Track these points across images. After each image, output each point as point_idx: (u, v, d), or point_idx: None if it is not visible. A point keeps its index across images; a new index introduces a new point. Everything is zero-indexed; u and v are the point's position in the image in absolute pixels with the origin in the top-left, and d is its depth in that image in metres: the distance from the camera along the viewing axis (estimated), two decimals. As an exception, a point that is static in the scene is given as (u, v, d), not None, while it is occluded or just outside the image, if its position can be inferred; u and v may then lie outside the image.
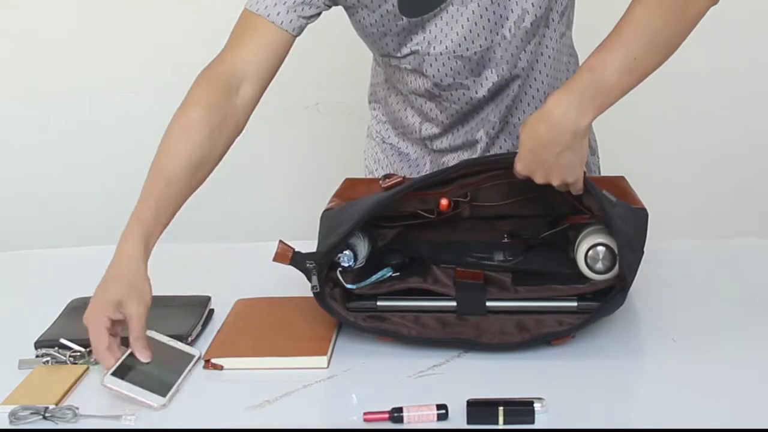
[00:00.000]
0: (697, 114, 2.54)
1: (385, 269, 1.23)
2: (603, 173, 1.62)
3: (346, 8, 1.38)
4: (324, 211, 1.28)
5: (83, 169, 2.62)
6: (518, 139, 1.46)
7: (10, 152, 2.61)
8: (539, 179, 1.17)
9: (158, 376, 1.12)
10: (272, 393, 1.10)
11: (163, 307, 1.31)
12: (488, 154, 1.51)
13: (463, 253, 1.27)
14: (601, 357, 1.16)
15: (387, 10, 1.35)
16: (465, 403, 1.02)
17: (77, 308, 1.20)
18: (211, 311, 1.34)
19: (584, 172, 1.18)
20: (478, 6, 1.33)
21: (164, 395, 1.09)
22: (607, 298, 1.17)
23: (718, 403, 1.05)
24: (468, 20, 1.34)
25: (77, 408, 1.07)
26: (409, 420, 1.02)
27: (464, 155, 1.52)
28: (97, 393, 1.11)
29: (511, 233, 1.32)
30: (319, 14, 1.35)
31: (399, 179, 1.24)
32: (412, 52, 1.39)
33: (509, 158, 1.18)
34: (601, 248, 1.18)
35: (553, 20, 1.39)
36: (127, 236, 1.19)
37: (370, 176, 1.63)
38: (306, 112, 2.59)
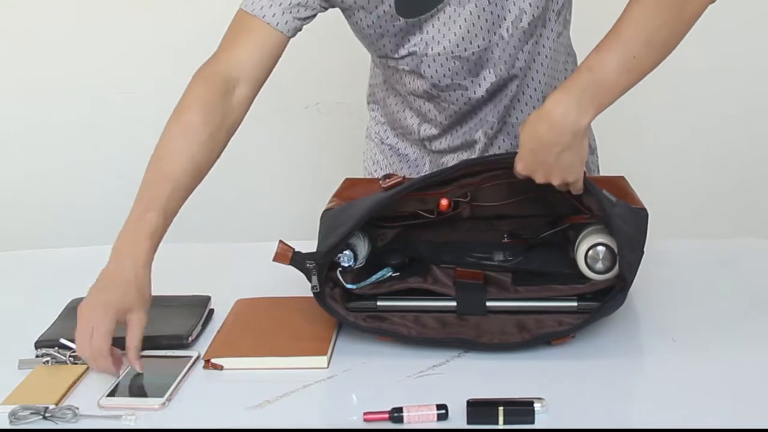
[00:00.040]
0: (696, 114, 2.54)
1: (385, 269, 1.23)
2: (603, 173, 1.62)
3: (343, 10, 1.38)
4: (324, 211, 1.28)
5: (83, 169, 2.62)
6: (517, 139, 1.47)
7: (10, 152, 2.61)
8: (539, 179, 1.17)
9: (155, 383, 1.12)
10: (272, 393, 1.10)
11: (163, 307, 1.31)
12: (488, 154, 1.51)
13: (463, 253, 1.27)
14: (601, 357, 1.16)
15: (384, 11, 1.35)
16: (465, 403, 1.02)
17: (77, 308, 1.20)
18: (211, 311, 1.34)
19: (584, 172, 1.18)
20: (476, 6, 1.33)
21: (162, 395, 1.09)
22: (607, 298, 1.17)
23: (718, 403, 1.05)
24: (465, 21, 1.34)
25: (77, 408, 1.07)
26: (409, 420, 1.02)
27: (463, 156, 1.52)
28: (97, 393, 1.11)
29: (511, 233, 1.32)
30: (314, 16, 1.35)
31: (399, 179, 1.24)
32: (410, 53, 1.39)
33: (509, 158, 1.18)
34: (601, 248, 1.18)
35: (549, 20, 1.39)
36: (135, 241, 1.19)
37: (370, 177, 1.63)
38: (306, 112, 2.59)
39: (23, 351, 1.22)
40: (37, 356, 1.21)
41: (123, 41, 2.51)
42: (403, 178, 1.25)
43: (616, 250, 1.16)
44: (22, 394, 1.12)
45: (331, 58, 2.42)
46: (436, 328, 1.20)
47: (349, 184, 1.40)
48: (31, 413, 1.07)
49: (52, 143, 2.59)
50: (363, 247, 1.24)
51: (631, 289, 1.16)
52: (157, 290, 1.35)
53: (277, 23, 1.30)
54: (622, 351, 1.18)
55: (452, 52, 1.37)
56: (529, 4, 1.34)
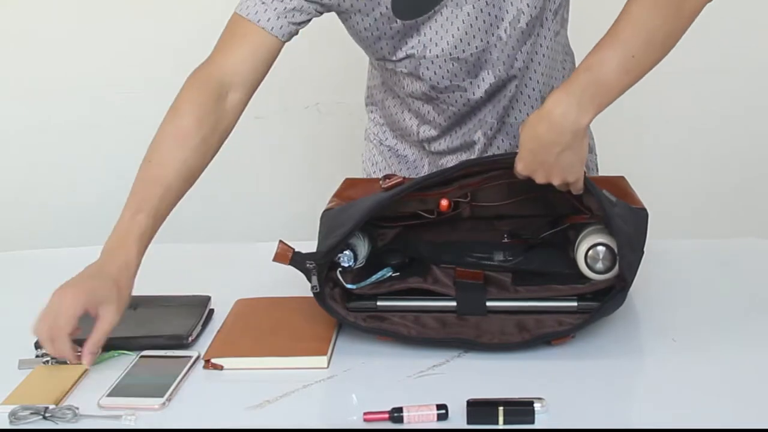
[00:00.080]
0: (696, 114, 2.54)
1: (385, 269, 1.23)
2: (602, 173, 1.62)
3: (339, 13, 1.38)
4: (324, 211, 1.28)
5: (83, 169, 2.62)
6: (515, 138, 1.48)
7: (10, 152, 2.61)
8: (540, 179, 1.17)
9: (155, 383, 1.12)
10: (272, 393, 1.10)
11: (163, 307, 1.31)
12: (487, 154, 1.50)
13: (463, 253, 1.27)
14: (601, 357, 1.16)
15: (381, 13, 1.34)
16: (465, 403, 1.02)
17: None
18: (211, 311, 1.34)
19: (584, 172, 1.18)
20: (473, 8, 1.33)
21: (162, 395, 1.09)
22: (606, 298, 1.17)
23: (718, 403, 1.05)
24: (463, 22, 1.34)
25: (77, 408, 1.07)
26: (409, 420, 1.02)
27: (462, 156, 1.52)
28: (97, 393, 1.11)
29: (511, 233, 1.32)
30: (309, 20, 1.35)
31: (399, 180, 1.24)
32: (408, 56, 1.39)
33: (509, 158, 1.18)
34: (601, 248, 1.18)
35: (546, 19, 1.39)
36: (123, 243, 1.18)
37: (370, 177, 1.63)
38: (306, 112, 2.59)
39: (23, 351, 1.22)
40: (37, 356, 1.21)
41: (123, 41, 2.51)
42: (403, 178, 1.25)
43: (616, 250, 1.16)
44: (22, 394, 1.12)
45: (332, 58, 2.42)
46: (436, 328, 1.20)
47: (349, 184, 1.40)
48: (31, 413, 1.07)
49: (52, 143, 2.59)
50: (363, 247, 1.24)
51: (631, 289, 1.16)
52: (157, 290, 1.36)
53: (272, 28, 1.30)
54: (622, 351, 1.18)
55: (450, 54, 1.37)
56: (527, 4, 1.34)
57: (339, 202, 1.29)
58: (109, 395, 1.10)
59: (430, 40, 1.36)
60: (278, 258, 1.18)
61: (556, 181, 1.17)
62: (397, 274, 1.23)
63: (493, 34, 1.36)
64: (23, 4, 2.51)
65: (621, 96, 1.16)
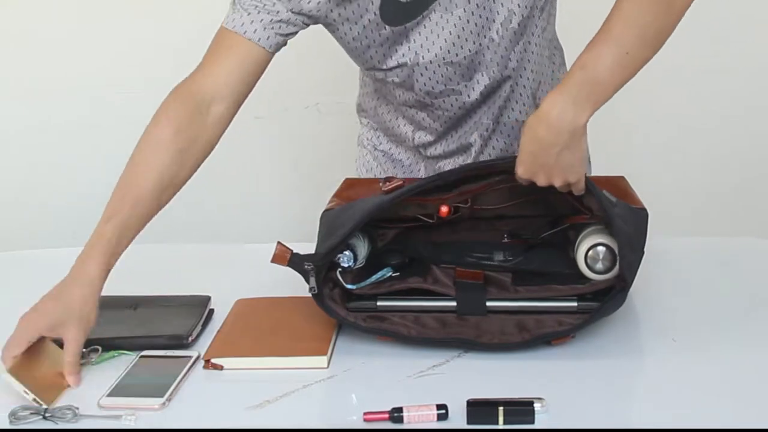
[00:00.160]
0: (696, 114, 2.54)
1: (385, 269, 1.23)
2: (603, 173, 1.62)
3: (327, 25, 1.36)
4: (324, 211, 1.28)
5: (83, 169, 2.62)
6: (509, 137, 1.48)
7: (10, 152, 2.61)
8: (541, 181, 1.17)
9: (155, 383, 1.12)
10: (272, 393, 1.10)
11: (163, 307, 1.31)
12: (487, 159, 1.50)
13: (463, 253, 1.27)
14: (601, 357, 1.16)
15: (369, 20, 1.34)
16: (465, 403, 1.02)
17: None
18: (211, 311, 1.34)
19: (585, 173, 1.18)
20: (464, 11, 1.33)
21: (162, 395, 1.09)
22: (607, 298, 1.17)
23: (718, 403, 1.05)
24: (455, 26, 1.34)
25: (77, 408, 1.07)
26: (409, 420, 1.02)
27: (459, 159, 1.52)
28: (97, 393, 1.11)
29: (511, 233, 1.32)
30: (296, 32, 1.33)
31: (399, 183, 1.23)
32: (400, 65, 1.38)
33: (509, 162, 1.18)
34: (601, 248, 1.18)
35: (534, 16, 1.39)
36: (89, 254, 1.20)
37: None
38: (306, 112, 2.59)
39: (23, 351, 1.22)
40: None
41: (123, 41, 2.51)
42: (403, 182, 1.24)
43: (616, 251, 1.16)
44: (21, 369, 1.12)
45: (332, 58, 2.40)
46: (436, 328, 1.20)
47: (349, 184, 1.40)
48: (31, 413, 1.07)
49: (52, 143, 2.58)
50: (363, 248, 1.24)
51: (631, 289, 1.16)
52: (157, 290, 1.36)
53: (259, 39, 1.29)
54: (622, 351, 1.18)
55: (444, 59, 1.37)
56: (518, 4, 1.34)
57: (339, 202, 1.29)
58: (109, 395, 1.10)
59: (421, 46, 1.36)
60: (276, 259, 1.18)
61: (557, 183, 1.17)
62: (397, 274, 1.23)
63: (485, 36, 1.36)
64: (23, 4, 2.51)
65: (617, 94, 1.16)
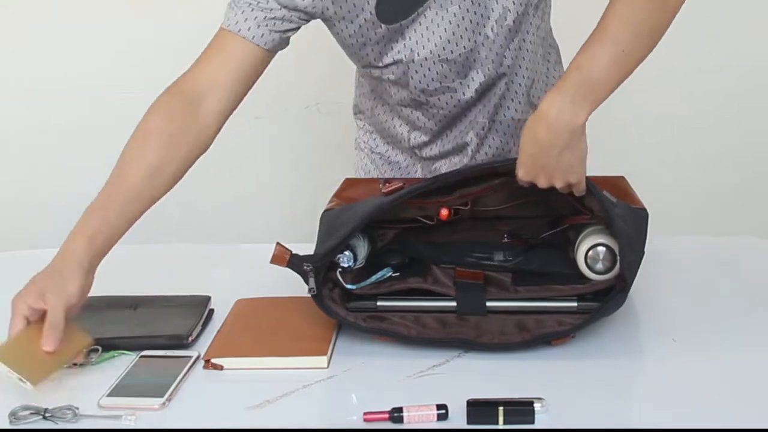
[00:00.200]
0: (696, 114, 2.54)
1: (385, 269, 1.23)
2: (603, 173, 1.62)
3: (324, 20, 1.37)
4: (324, 211, 1.28)
5: (83, 169, 2.61)
6: (506, 135, 1.48)
7: (10, 152, 2.61)
8: (542, 183, 1.17)
9: (155, 383, 1.12)
10: (272, 393, 1.10)
11: (163, 307, 1.31)
12: (484, 158, 1.50)
13: (463, 253, 1.27)
14: (601, 357, 1.16)
15: (365, 19, 1.34)
16: (465, 403, 1.02)
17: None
18: (211, 311, 1.33)
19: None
20: (459, 8, 1.33)
21: (162, 395, 1.09)
22: (607, 298, 1.17)
23: (718, 403, 1.05)
24: (450, 23, 1.34)
25: (77, 408, 1.07)
26: (409, 420, 1.02)
27: (455, 159, 1.52)
28: (97, 393, 1.11)
29: (511, 233, 1.32)
30: (297, 28, 1.34)
31: (399, 185, 1.23)
32: (395, 62, 1.38)
33: (509, 165, 1.18)
34: (601, 248, 1.18)
35: (529, 14, 1.39)
36: (73, 236, 1.22)
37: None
38: (306, 112, 2.59)
39: (23, 351, 1.22)
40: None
41: (123, 41, 2.51)
42: (403, 184, 1.24)
43: (616, 251, 1.16)
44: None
45: (332, 57, 2.40)
46: (436, 328, 1.20)
47: (349, 184, 1.40)
48: (31, 413, 1.07)
49: (52, 143, 2.58)
50: (363, 248, 1.24)
51: (631, 289, 1.16)
52: (157, 290, 1.36)
53: (253, 36, 1.30)
54: (622, 351, 1.18)
55: (439, 56, 1.37)
56: (512, 2, 1.34)
57: (339, 202, 1.29)
58: (109, 395, 1.10)
59: (417, 43, 1.36)
60: (275, 260, 1.18)
61: (558, 184, 1.17)
62: (397, 274, 1.23)
63: (480, 34, 1.36)
64: (23, 4, 2.51)
65: (613, 94, 1.16)
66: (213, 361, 1.18)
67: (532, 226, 1.31)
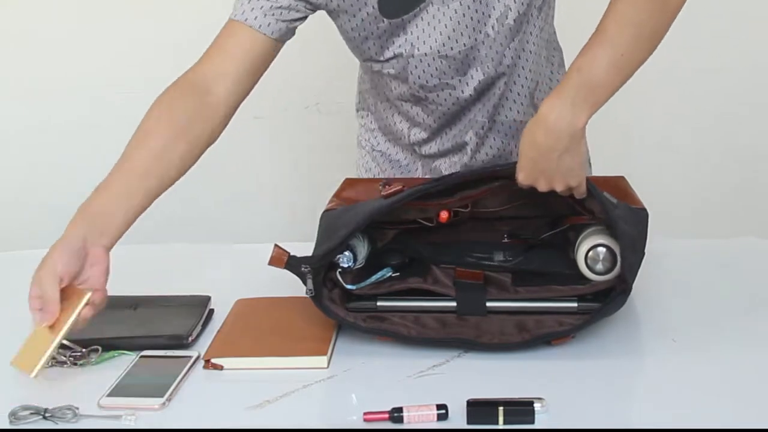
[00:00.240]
0: (696, 114, 2.54)
1: (385, 269, 1.23)
2: (603, 173, 1.62)
3: (328, 12, 1.38)
4: (324, 211, 1.28)
5: (83, 169, 2.61)
6: (506, 136, 1.48)
7: (10, 152, 2.61)
8: (542, 187, 1.17)
9: (155, 383, 1.12)
10: (272, 393, 1.10)
11: (163, 307, 1.31)
12: (484, 158, 1.50)
13: (463, 254, 1.27)
14: (601, 357, 1.16)
15: (367, 13, 1.34)
16: (465, 403, 1.02)
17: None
18: (211, 311, 1.34)
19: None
20: (460, 5, 1.33)
21: (162, 395, 1.09)
22: (607, 299, 1.17)
23: (718, 403, 1.05)
24: (451, 19, 1.34)
25: (77, 408, 1.07)
26: (409, 420, 1.02)
27: (454, 158, 1.52)
28: (97, 393, 1.11)
29: (511, 233, 1.32)
30: (303, 18, 1.35)
31: (399, 187, 1.23)
32: (396, 56, 1.38)
33: (510, 168, 1.18)
34: (601, 249, 1.18)
35: (532, 15, 1.39)
36: (74, 215, 1.24)
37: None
38: (306, 112, 2.59)
39: (23, 351, 1.22)
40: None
41: (123, 41, 2.51)
42: (403, 186, 1.24)
43: (616, 251, 1.16)
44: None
45: (332, 57, 2.41)
46: (436, 328, 1.20)
47: (349, 184, 1.40)
48: (31, 413, 1.07)
49: (52, 143, 2.58)
50: (362, 248, 1.24)
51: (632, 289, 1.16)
52: (157, 290, 1.36)
53: (260, 26, 1.30)
54: (622, 351, 1.18)
55: (438, 52, 1.37)
56: (514, 1, 1.34)
57: (339, 202, 1.29)
58: (109, 395, 1.10)
59: (418, 39, 1.36)
60: (273, 262, 1.18)
61: (559, 187, 1.17)
62: (397, 274, 1.23)
63: (480, 31, 1.36)
64: (23, 4, 2.51)
65: (614, 95, 1.16)
66: (213, 361, 1.18)
67: (532, 226, 1.31)
